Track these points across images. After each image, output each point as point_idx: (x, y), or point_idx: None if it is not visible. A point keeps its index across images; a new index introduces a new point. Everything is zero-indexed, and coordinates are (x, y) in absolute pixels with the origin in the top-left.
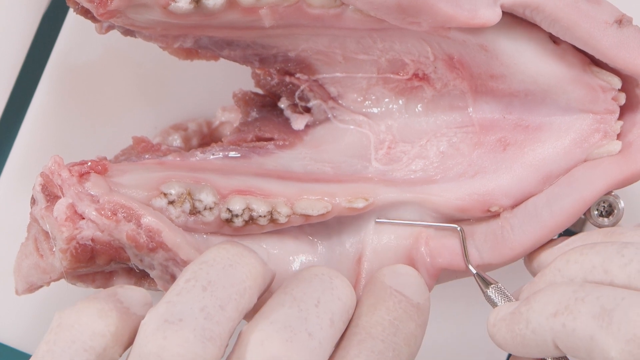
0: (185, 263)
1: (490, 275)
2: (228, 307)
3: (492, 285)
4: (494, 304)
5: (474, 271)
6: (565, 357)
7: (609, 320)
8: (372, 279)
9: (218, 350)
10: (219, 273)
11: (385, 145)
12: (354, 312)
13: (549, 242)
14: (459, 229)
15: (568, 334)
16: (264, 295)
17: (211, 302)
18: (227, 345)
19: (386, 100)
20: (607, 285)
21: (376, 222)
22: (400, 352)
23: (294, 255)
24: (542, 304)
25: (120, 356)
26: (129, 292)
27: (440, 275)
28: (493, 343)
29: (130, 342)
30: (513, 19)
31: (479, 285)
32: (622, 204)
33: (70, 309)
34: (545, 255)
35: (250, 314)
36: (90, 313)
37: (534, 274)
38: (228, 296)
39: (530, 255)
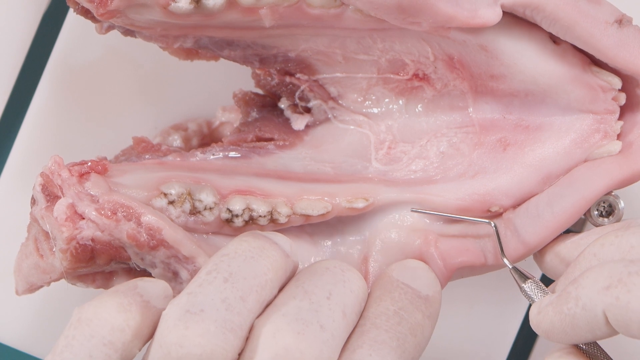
0: (187, 259)
1: (490, 276)
2: (249, 298)
3: (529, 280)
4: (530, 299)
5: (510, 266)
6: (597, 344)
7: None
8: (382, 274)
9: (239, 341)
10: (241, 265)
11: (386, 146)
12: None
13: (560, 237)
14: (492, 224)
15: (621, 307)
16: None
17: (232, 293)
18: (247, 337)
19: (386, 100)
20: None
21: (411, 210)
22: (405, 342)
23: (299, 255)
24: (591, 280)
25: (140, 350)
26: (150, 285)
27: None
28: (492, 344)
29: (150, 336)
30: (513, 19)
31: (515, 280)
32: (622, 204)
33: (90, 303)
34: (559, 249)
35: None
36: (109, 308)
37: (546, 270)
38: (249, 288)
39: (542, 251)
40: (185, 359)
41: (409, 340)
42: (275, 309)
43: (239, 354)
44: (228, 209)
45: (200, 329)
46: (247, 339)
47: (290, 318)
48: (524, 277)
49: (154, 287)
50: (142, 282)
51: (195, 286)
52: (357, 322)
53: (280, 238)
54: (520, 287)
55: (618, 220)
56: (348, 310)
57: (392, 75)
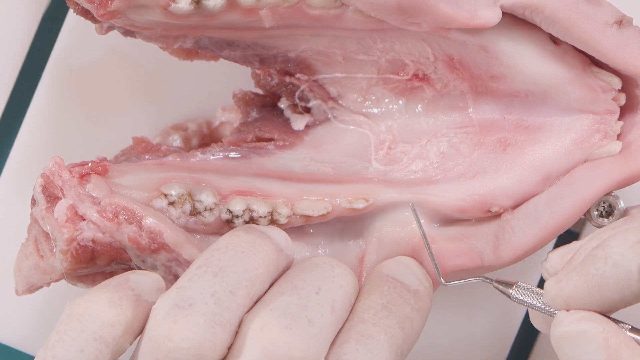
0: (188, 263)
1: (489, 276)
2: (238, 293)
3: (515, 286)
4: (524, 303)
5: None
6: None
7: None
8: (372, 270)
9: (227, 335)
10: (231, 260)
11: (386, 146)
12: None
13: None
14: (410, 204)
15: None
16: None
17: (222, 287)
18: (236, 331)
19: (386, 100)
20: None
21: (411, 206)
22: (393, 335)
23: (296, 255)
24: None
25: (131, 344)
26: (141, 278)
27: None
28: (492, 344)
29: (141, 330)
30: (513, 20)
31: (501, 292)
32: (622, 205)
33: (81, 298)
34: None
35: None
36: (99, 302)
37: (547, 272)
38: (239, 282)
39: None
40: (174, 353)
41: (397, 334)
42: (264, 304)
43: (228, 349)
44: (228, 210)
45: (188, 322)
46: (237, 333)
47: (278, 313)
48: (508, 285)
49: (145, 280)
50: (133, 275)
51: (185, 280)
52: (347, 317)
53: (275, 232)
54: (509, 296)
55: None
56: (337, 305)
57: (392, 76)
